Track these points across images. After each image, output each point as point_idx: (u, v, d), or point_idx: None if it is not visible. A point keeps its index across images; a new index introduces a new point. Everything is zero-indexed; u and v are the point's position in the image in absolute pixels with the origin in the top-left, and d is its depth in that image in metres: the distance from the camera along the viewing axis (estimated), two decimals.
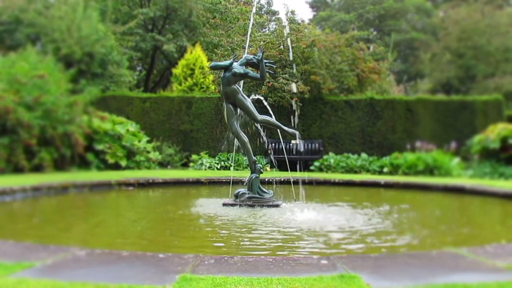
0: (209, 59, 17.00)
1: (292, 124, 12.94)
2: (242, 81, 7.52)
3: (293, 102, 12.66)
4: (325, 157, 13.94)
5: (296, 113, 13.69)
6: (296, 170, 12.97)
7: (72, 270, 3.07)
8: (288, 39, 13.19)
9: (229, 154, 14.06)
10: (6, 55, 12.74)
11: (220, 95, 12.38)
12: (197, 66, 16.48)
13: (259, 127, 7.46)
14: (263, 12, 26.90)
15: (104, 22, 17.40)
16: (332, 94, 15.35)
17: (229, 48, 18.57)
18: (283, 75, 14.55)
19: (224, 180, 10.08)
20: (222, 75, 7.15)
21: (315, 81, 14.72)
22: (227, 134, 7.20)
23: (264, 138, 7.57)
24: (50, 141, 11.36)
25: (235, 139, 7.24)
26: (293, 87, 13.20)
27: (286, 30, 12.59)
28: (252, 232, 5.14)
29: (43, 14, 15.77)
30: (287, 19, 17.84)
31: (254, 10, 13.70)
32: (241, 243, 4.65)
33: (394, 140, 14.92)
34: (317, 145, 14.59)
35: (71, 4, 15.72)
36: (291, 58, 12.82)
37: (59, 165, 11.53)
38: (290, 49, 13.31)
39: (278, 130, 7.51)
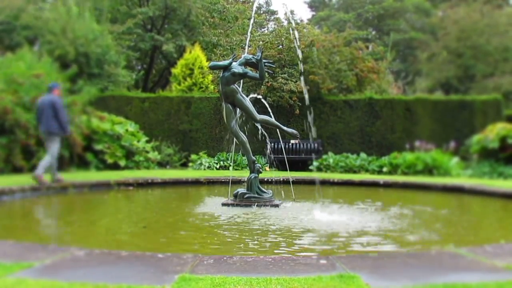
0: (208, 59, 16.99)
1: (310, 127, 12.95)
2: (241, 81, 7.51)
3: (309, 108, 12.60)
4: (324, 156, 13.94)
5: (311, 117, 13.56)
6: (296, 170, 13.00)
7: (71, 270, 3.07)
8: (296, 39, 13.10)
9: (228, 154, 14.05)
10: (4, 55, 12.72)
11: (219, 95, 12.36)
12: (196, 66, 16.47)
13: (259, 127, 7.45)
14: (261, 12, 26.89)
15: (101, 22, 17.35)
16: (331, 94, 15.35)
17: (228, 48, 18.55)
18: (282, 75, 14.55)
19: (223, 180, 10.06)
20: (221, 75, 7.14)
21: (314, 81, 14.72)
22: (228, 133, 7.20)
23: (265, 135, 7.56)
24: None
25: (234, 139, 7.24)
26: (304, 91, 13.13)
27: (295, 36, 12.56)
28: (251, 231, 5.13)
29: (38, 17, 15.74)
30: (285, 19, 17.83)
31: (254, 9, 13.64)
32: (240, 243, 4.65)
33: (393, 139, 14.93)
34: (316, 145, 14.59)
35: (65, 5, 15.70)
36: (300, 56, 12.76)
37: (58, 165, 11.49)
38: (299, 50, 13.19)
39: (277, 130, 7.51)
